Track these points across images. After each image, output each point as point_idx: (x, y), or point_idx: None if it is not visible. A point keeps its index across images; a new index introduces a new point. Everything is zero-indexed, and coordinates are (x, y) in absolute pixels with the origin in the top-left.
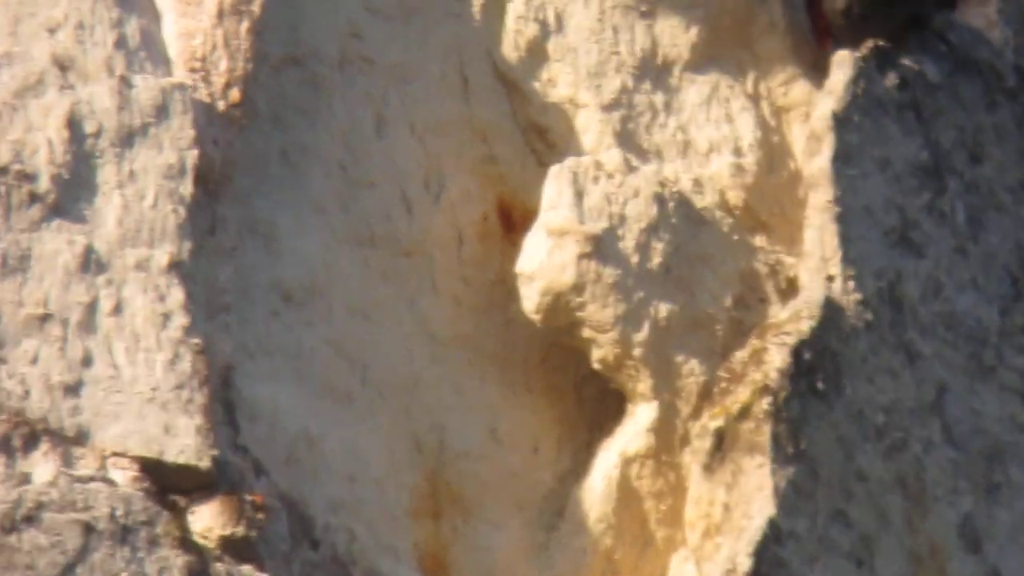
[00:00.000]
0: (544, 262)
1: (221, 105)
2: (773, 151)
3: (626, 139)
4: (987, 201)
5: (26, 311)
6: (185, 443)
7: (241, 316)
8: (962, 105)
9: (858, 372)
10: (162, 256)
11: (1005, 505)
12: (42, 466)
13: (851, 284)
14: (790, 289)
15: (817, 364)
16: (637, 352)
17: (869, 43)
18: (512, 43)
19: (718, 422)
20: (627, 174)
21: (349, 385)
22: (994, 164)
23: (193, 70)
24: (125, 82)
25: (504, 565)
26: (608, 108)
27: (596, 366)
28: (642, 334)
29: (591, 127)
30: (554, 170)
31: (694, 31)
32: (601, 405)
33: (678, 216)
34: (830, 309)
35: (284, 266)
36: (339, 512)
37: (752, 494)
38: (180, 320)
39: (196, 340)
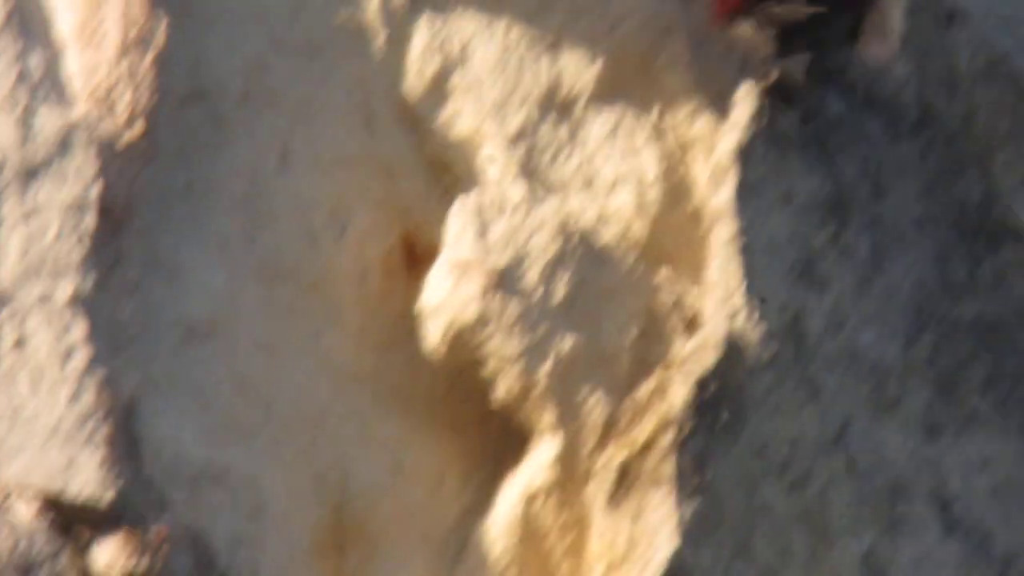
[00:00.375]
0: (448, 296)
1: (125, 139)
2: (677, 185)
3: (530, 173)
4: (891, 235)
5: None
6: (88, 477)
7: (145, 350)
8: (866, 139)
9: (762, 406)
10: (66, 289)
11: (909, 539)
12: None
13: (755, 318)
14: (694, 323)
15: (721, 397)
16: (541, 386)
17: (772, 77)
18: (416, 77)
19: (622, 455)
20: (531, 208)
21: (253, 419)
22: (897, 198)
23: (97, 103)
24: (28, 115)
25: None
26: (512, 141)
27: (500, 400)
28: (546, 368)
29: (495, 161)
30: (457, 204)
31: (599, 64)
32: (505, 439)
33: (582, 250)
34: (734, 342)
35: (188, 300)
36: (243, 546)
37: (657, 527)
38: (84, 353)
39: (100, 373)
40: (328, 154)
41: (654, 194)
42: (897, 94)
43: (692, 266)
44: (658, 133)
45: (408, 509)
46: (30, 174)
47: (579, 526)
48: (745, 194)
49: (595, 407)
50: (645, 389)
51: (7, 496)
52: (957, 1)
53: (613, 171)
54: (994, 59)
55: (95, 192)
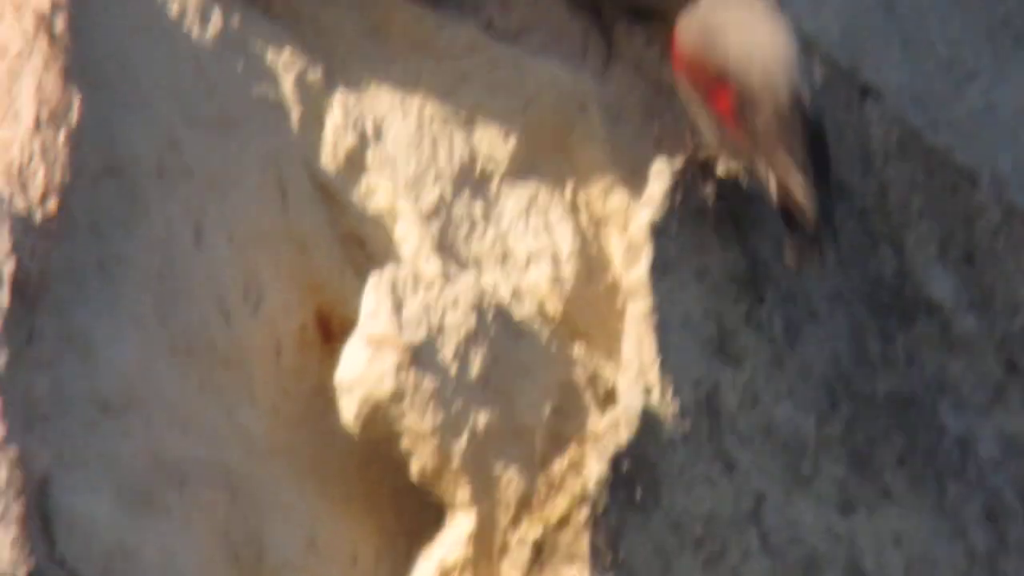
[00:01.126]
0: (363, 372)
1: (38, 215)
2: (592, 261)
3: (445, 249)
4: (805, 311)
5: None
6: (0, 555)
7: (59, 426)
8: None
9: (676, 482)
10: None
11: None
12: None
13: (669, 394)
14: (609, 399)
15: (635, 474)
16: (456, 462)
17: (688, 154)
18: (331, 153)
19: (537, 532)
20: (446, 284)
21: (167, 496)
22: (811, 274)
23: (10, 180)
24: None
25: None
26: (427, 218)
27: (415, 476)
28: (461, 444)
29: (410, 237)
30: (372, 279)
31: (512, 141)
32: (420, 515)
33: (497, 326)
34: (648, 419)
35: (102, 376)
36: None
37: None
38: None
39: (13, 451)
40: (242, 229)
41: (569, 270)
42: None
43: (607, 342)
44: (573, 209)
45: None
46: None
47: None
48: (660, 270)
49: (510, 483)
50: (560, 465)
51: None
52: (870, 78)
53: (528, 247)
54: (907, 136)
55: (8, 269)
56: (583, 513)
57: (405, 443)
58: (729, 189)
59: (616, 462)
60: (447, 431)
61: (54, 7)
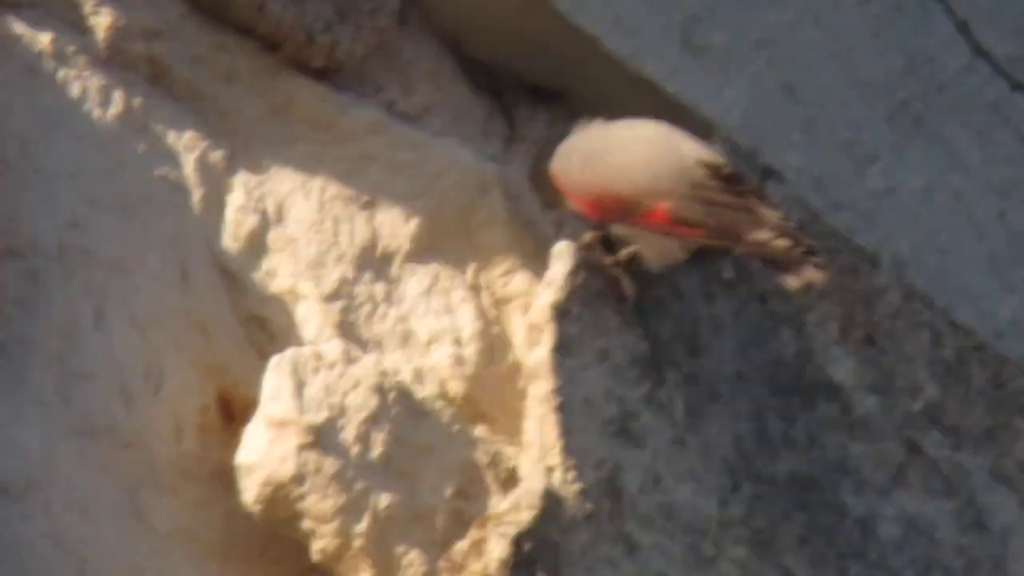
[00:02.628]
0: (264, 453)
1: None
2: (493, 342)
3: (347, 330)
4: (706, 392)
5: None
6: None
7: None
8: (680, 297)
9: (578, 563)
10: None
11: None
12: None
13: (571, 475)
14: (511, 480)
15: (537, 555)
16: (357, 543)
17: (588, 235)
18: (232, 234)
19: None
20: (347, 365)
21: None
22: (712, 355)
23: None
24: None
25: None
26: (328, 299)
27: (317, 557)
28: (362, 525)
29: (311, 318)
30: (274, 361)
31: (414, 222)
32: None
33: (399, 407)
34: (550, 500)
35: (2, 458)
36: None
37: None
38: None
39: None
40: (143, 311)
41: (471, 351)
42: (712, 252)
43: (509, 423)
44: (474, 290)
45: None
46: None
47: None
48: (561, 352)
49: (411, 565)
50: (461, 547)
51: None
52: (771, 160)
53: (430, 328)
54: (806, 218)
55: None
56: None
57: (307, 524)
58: (630, 270)
59: (518, 543)
60: (349, 512)
61: None
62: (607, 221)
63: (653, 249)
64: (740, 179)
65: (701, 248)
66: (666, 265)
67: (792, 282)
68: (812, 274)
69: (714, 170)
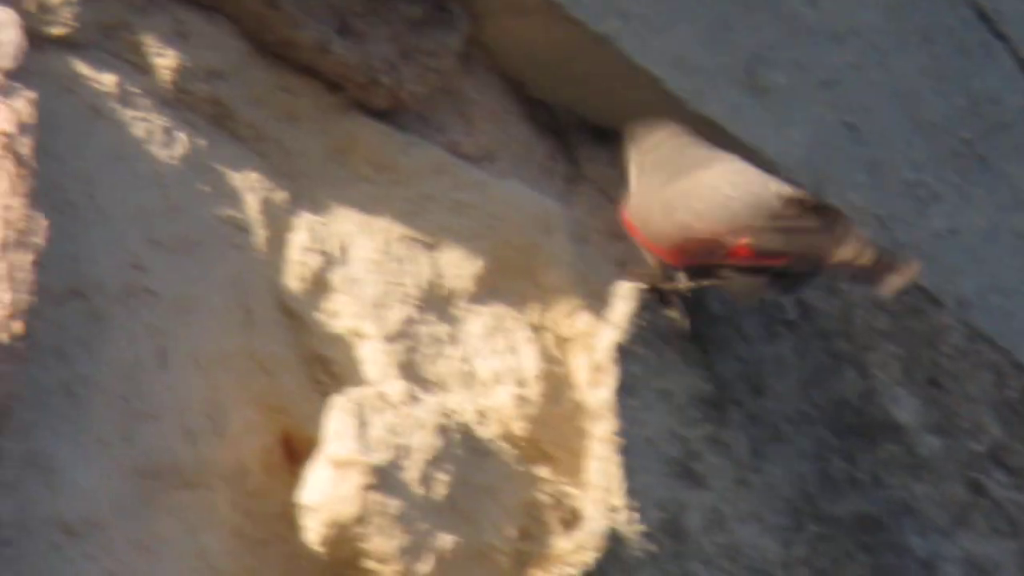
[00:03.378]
0: (327, 494)
1: (4, 337)
2: (557, 382)
3: (410, 370)
4: (769, 432)
5: None
6: None
7: (20, 550)
8: (743, 337)
9: None
10: None
11: None
12: None
13: (634, 515)
14: (574, 520)
15: None
16: None
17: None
18: (296, 274)
19: None
20: (411, 405)
21: None
22: (775, 395)
23: None
24: None
25: None
26: (391, 339)
27: None
28: (426, 566)
29: (374, 358)
30: (337, 401)
31: (477, 263)
32: None
33: (462, 447)
34: (613, 540)
35: (65, 499)
36: None
37: None
38: None
39: None
40: (206, 351)
41: (534, 392)
42: (799, 278)
43: (572, 464)
44: (537, 331)
45: None
46: None
47: None
48: (624, 392)
49: None
50: None
51: None
52: (834, 200)
53: (493, 368)
54: None
55: None
56: None
57: (370, 565)
58: (693, 310)
59: None
60: (412, 553)
61: (20, 128)
62: (691, 265)
63: (740, 285)
64: (816, 204)
65: (789, 275)
66: (755, 300)
67: (885, 290)
68: (899, 279)
69: (790, 199)
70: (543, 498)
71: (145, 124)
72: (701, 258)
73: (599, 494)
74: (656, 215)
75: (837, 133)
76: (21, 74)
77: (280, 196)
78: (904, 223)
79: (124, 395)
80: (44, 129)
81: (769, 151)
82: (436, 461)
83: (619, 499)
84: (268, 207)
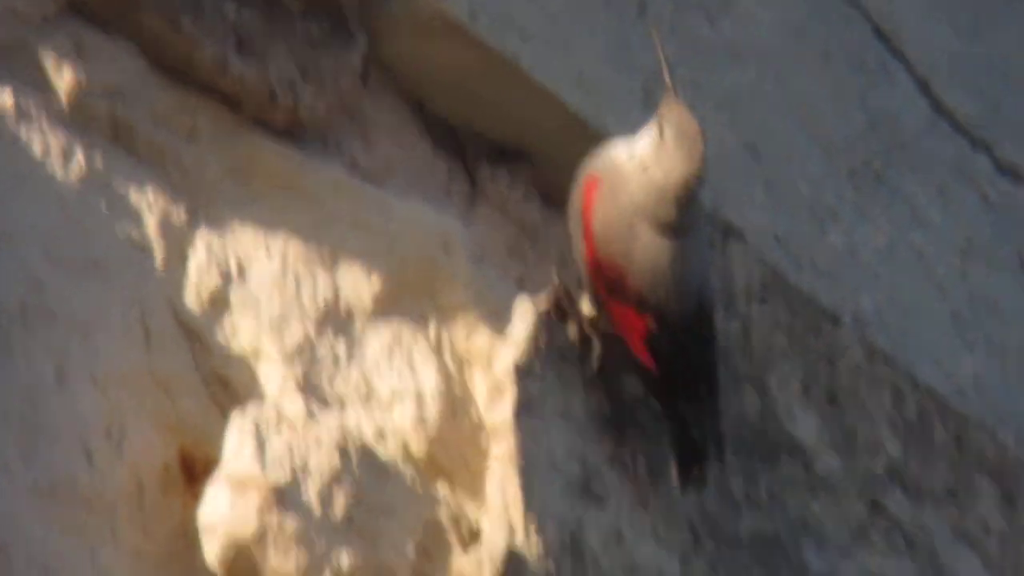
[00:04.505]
0: (226, 513)
1: None
2: (456, 400)
3: (309, 388)
4: (667, 452)
5: None
6: None
7: None
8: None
9: None
10: None
11: None
12: None
13: (533, 534)
14: (473, 538)
15: None
16: None
17: (550, 294)
18: (194, 293)
19: None
20: (310, 423)
21: None
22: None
23: None
24: None
25: None
26: (291, 357)
27: None
28: None
29: (273, 376)
30: (235, 419)
31: (376, 281)
32: None
33: (361, 466)
34: (513, 559)
35: None
36: None
37: None
38: None
39: None
40: (105, 370)
41: (432, 410)
42: None
43: (471, 481)
44: (437, 348)
45: None
46: None
47: None
48: (523, 410)
49: None
50: None
51: None
52: (733, 218)
53: (392, 386)
54: (769, 276)
55: None
56: None
57: None
58: (592, 329)
59: None
60: (311, 572)
61: None
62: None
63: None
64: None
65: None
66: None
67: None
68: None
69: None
70: (442, 516)
71: (43, 141)
72: (608, 294)
73: (498, 512)
74: (618, 239)
75: (736, 152)
76: None
77: (179, 215)
78: (803, 241)
79: (22, 414)
80: None
81: None
82: (335, 480)
83: (518, 517)
84: (167, 225)
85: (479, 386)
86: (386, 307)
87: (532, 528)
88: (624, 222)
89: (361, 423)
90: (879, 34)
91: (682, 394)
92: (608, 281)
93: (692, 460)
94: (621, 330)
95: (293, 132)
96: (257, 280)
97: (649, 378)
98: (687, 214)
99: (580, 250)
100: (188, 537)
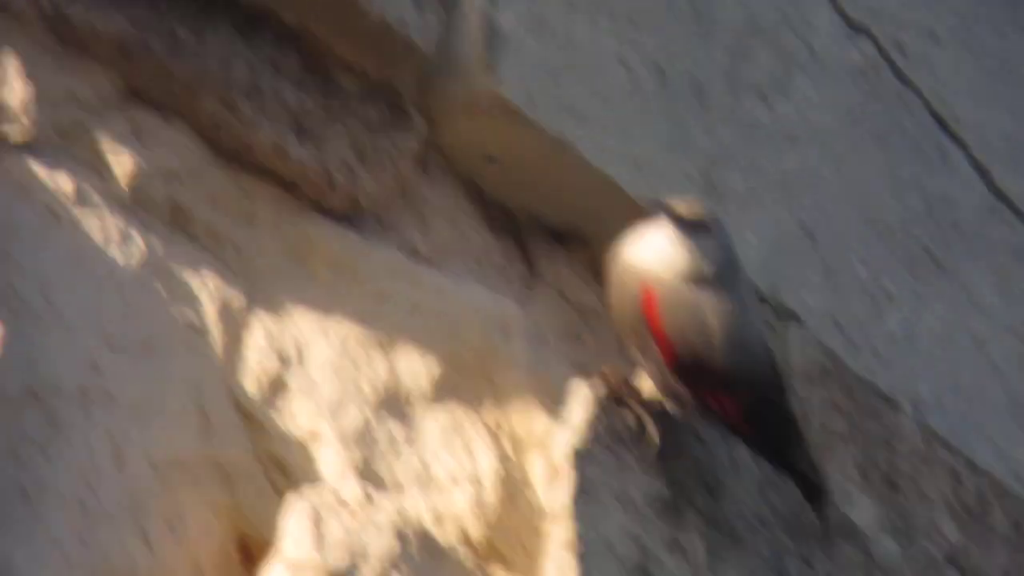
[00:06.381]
0: None
1: None
2: (513, 484)
3: (367, 472)
4: (725, 535)
5: None
6: None
7: None
8: (700, 440)
9: None
10: None
11: None
12: None
13: None
14: None
15: None
16: None
17: (609, 378)
18: (253, 377)
19: None
20: (367, 507)
21: None
22: (731, 499)
23: None
24: None
25: None
26: (348, 441)
27: None
28: None
29: (331, 460)
30: (293, 503)
31: (434, 364)
32: None
33: (419, 550)
34: None
35: None
36: None
37: None
38: None
39: None
40: (162, 454)
41: (490, 495)
42: None
43: (528, 566)
44: (494, 434)
45: None
46: None
47: None
48: (581, 496)
49: None
50: None
51: None
52: (791, 301)
53: (449, 471)
54: (828, 360)
55: None
56: None
57: None
58: (650, 412)
59: None
60: None
61: None
62: (682, 375)
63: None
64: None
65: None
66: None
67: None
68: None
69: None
70: None
71: (102, 225)
72: (693, 383)
73: None
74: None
75: (793, 235)
76: None
77: (237, 298)
78: (860, 325)
79: (80, 498)
80: (1, 232)
81: None
82: (393, 565)
83: None
84: (225, 309)
85: (536, 470)
86: (444, 390)
87: None
88: (688, 313)
89: (419, 507)
90: (936, 117)
91: (790, 446)
92: (694, 375)
93: (817, 502)
94: (722, 418)
95: (351, 216)
96: (315, 363)
97: (757, 444)
98: (721, 262)
99: (653, 356)
100: None
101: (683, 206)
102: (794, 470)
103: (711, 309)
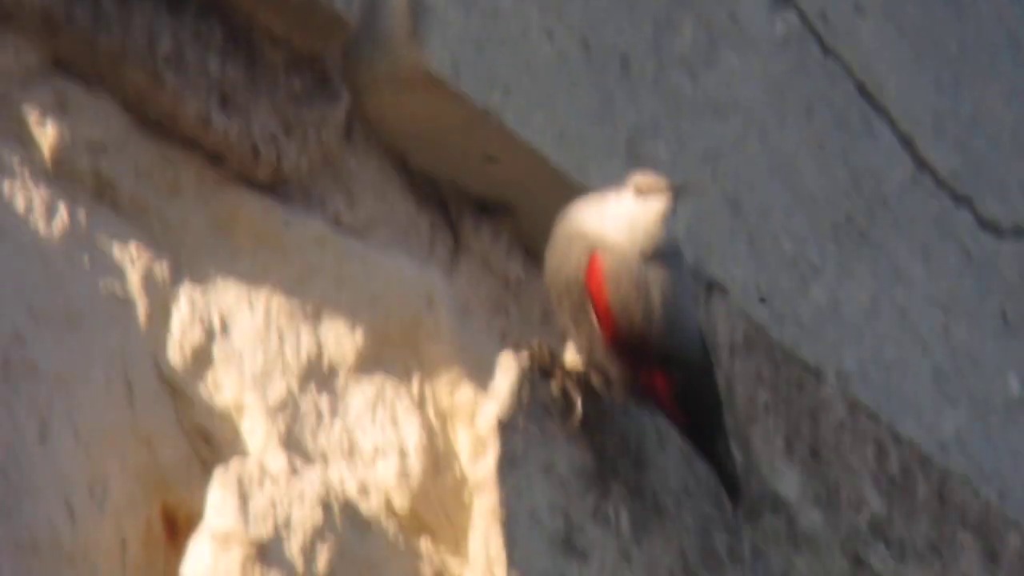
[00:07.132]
0: (208, 568)
1: None
2: (439, 455)
3: (292, 442)
4: (651, 506)
5: None
6: None
7: None
8: (624, 410)
9: None
10: None
11: None
12: None
13: None
14: None
15: None
16: None
17: (532, 347)
18: (178, 348)
19: None
20: (292, 479)
21: None
22: (658, 469)
23: None
24: None
25: None
26: (273, 411)
27: None
28: None
29: (256, 431)
30: (218, 474)
31: (359, 335)
32: None
33: (344, 521)
34: None
35: None
36: None
37: None
38: None
39: None
40: (87, 426)
41: (415, 465)
42: None
43: (454, 536)
44: (420, 403)
45: None
46: None
47: None
48: (506, 465)
49: None
50: None
51: None
52: (716, 272)
53: (375, 441)
54: (752, 331)
55: None
56: None
57: None
58: (575, 384)
59: None
60: None
61: None
62: (616, 349)
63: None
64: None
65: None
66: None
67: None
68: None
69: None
70: (425, 571)
71: (26, 196)
72: (628, 355)
73: (481, 567)
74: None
75: (719, 206)
76: None
77: (162, 270)
78: (785, 296)
79: (4, 469)
80: None
81: None
82: (318, 534)
83: (501, 572)
84: (150, 281)
85: (462, 441)
86: (369, 362)
87: None
88: (633, 285)
89: (344, 478)
90: (862, 90)
91: (713, 432)
92: (630, 348)
93: (734, 494)
94: (650, 396)
95: (276, 187)
96: (240, 335)
97: (684, 428)
98: (672, 240)
99: (591, 331)
100: None
101: (646, 180)
102: (714, 458)
103: (656, 284)
